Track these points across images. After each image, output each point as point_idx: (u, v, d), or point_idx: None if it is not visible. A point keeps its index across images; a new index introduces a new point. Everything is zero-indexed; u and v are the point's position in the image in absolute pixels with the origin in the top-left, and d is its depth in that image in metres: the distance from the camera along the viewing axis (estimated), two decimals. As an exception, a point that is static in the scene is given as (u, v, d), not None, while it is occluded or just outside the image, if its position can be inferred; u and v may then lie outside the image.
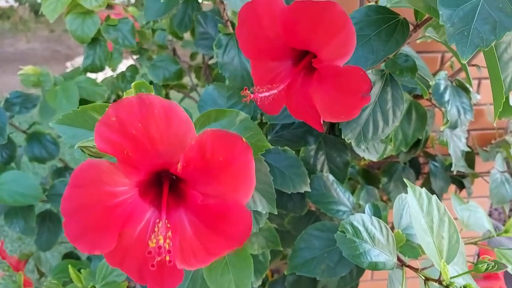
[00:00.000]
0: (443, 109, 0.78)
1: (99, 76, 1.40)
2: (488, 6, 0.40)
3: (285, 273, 0.71)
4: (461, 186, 1.12)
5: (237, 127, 0.51)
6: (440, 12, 0.40)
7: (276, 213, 0.55)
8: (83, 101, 1.03)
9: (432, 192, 1.03)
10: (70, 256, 1.24)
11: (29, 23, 5.76)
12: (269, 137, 0.76)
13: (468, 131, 1.13)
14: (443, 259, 0.53)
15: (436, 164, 1.06)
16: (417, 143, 0.91)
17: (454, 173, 0.94)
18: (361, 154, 0.74)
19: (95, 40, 1.06)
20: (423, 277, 0.56)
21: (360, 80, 0.47)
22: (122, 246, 0.41)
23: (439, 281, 0.54)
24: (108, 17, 1.06)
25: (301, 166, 0.69)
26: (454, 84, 0.83)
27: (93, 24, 1.01)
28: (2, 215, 1.03)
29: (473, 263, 0.74)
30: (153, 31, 1.29)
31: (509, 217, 1.08)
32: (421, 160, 1.11)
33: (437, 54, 1.03)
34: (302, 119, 0.57)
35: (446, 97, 0.79)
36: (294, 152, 0.70)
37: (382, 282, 1.25)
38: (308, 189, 0.69)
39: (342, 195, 0.75)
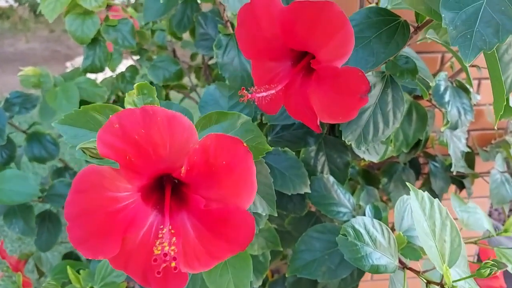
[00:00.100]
0: (443, 110, 0.78)
1: (99, 77, 1.40)
2: (491, 9, 0.40)
3: (286, 275, 0.71)
4: (461, 186, 1.12)
5: (238, 130, 0.50)
6: (443, 15, 0.40)
7: (276, 215, 0.55)
8: (83, 102, 1.03)
9: (432, 192, 1.03)
10: (70, 256, 1.23)
11: (28, 23, 5.76)
12: (269, 138, 0.76)
13: (468, 131, 1.13)
14: (445, 262, 0.52)
15: (436, 164, 1.06)
16: (417, 143, 0.91)
17: (454, 173, 0.94)
18: (362, 155, 0.74)
19: (95, 41, 1.06)
20: (425, 280, 0.56)
21: (358, 81, 0.47)
22: (125, 250, 0.41)
23: (441, 285, 0.53)
24: (107, 18, 1.06)
25: (301, 167, 0.69)
26: (454, 84, 0.83)
27: (93, 24, 1.01)
28: (2, 216, 1.02)
29: (474, 262, 0.74)
30: (153, 31, 1.29)
31: (508, 217, 1.08)
32: (421, 160, 1.10)
33: (437, 55, 1.02)
34: (300, 120, 0.57)
35: (446, 98, 0.79)
36: (294, 153, 0.70)
37: (382, 282, 1.25)
38: (308, 190, 0.69)
39: (343, 197, 0.75)
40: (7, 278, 1.04)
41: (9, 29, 5.70)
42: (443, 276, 0.53)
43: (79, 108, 0.48)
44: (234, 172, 0.39)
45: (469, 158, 1.10)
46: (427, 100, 0.79)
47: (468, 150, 0.99)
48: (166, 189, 0.43)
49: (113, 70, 1.25)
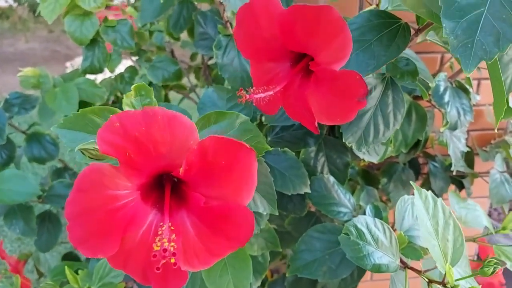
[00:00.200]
0: (443, 110, 0.78)
1: (98, 77, 1.40)
2: (492, 17, 0.39)
3: (287, 275, 0.71)
4: (460, 186, 1.12)
5: (236, 130, 0.50)
6: (444, 25, 0.40)
7: (277, 214, 0.55)
8: (82, 103, 1.03)
9: (432, 192, 1.03)
10: (70, 256, 1.24)
11: (28, 23, 5.76)
12: (269, 139, 0.76)
13: (468, 131, 1.13)
14: (448, 262, 0.53)
15: (436, 164, 1.06)
16: (416, 143, 0.91)
17: (454, 173, 0.94)
18: (361, 156, 0.74)
19: (94, 42, 1.06)
20: (426, 280, 0.56)
21: (357, 84, 0.47)
22: (125, 249, 0.41)
23: (443, 284, 0.54)
24: (106, 19, 1.06)
25: (301, 168, 0.69)
26: (453, 85, 0.83)
27: (92, 25, 1.01)
28: (2, 216, 1.02)
29: (474, 260, 0.74)
30: (151, 32, 1.29)
31: (508, 217, 1.08)
32: (420, 160, 1.10)
33: (437, 55, 1.02)
34: (298, 120, 0.57)
35: (446, 98, 0.79)
36: (294, 153, 0.70)
37: (381, 282, 1.25)
38: (308, 190, 0.69)
39: (343, 197, 0.75)
40: (5, 280, 1.04)
41: (9, 29, 5.70)
42: (445, 275, 0.53)
43: (79, 108, 0.48)
44: (234, 170, 0.39)
45: (469, 158, 1.10)
46: (427, 101, 0.79)
47: (468, 150, 0.99)
48: (166, 187, 0.43)
49: (112, 71, 1.25)
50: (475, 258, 1.29)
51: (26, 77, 0.99)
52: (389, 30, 0.53)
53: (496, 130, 0.66)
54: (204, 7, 1.08)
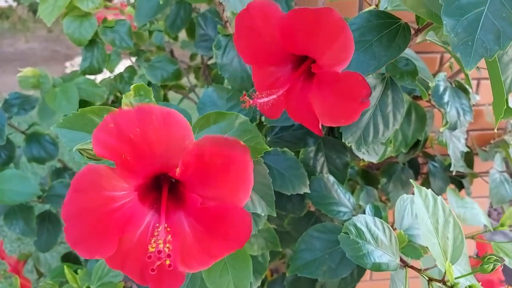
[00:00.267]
0: (442, 110, 0.78)
1: (98, 77, 1.40)
2: (492, 16, 0.39)
3: (287, 274, 0.71)
4: (460, 186, 1.12)
5: (236, 130, 0.50)
6: (444, 22, 0.40)
7: (275, 215, 0.55)
8: (82, 102, 1.03)
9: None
10: (69, 256, 1.23)
11: (28, 23, 5.75)
12: (268, 139, 0.76)
13: (467, 131, 1.13)
14: (448, 259, 0.53)
15: (435, 164, 1.06)
16: (416, 143, 0.91)
17: (453, 173, 0.94)
18: (361, 156, 0.74)
19: (93, 42, 1.06)
20: (426, 278, 0.57)
21: (359, 85, 0.47)
22: (122, 249, 0.41)
23: (443, 282, 0.54)
24: (105, 19, 1.06)
25: (301, 168, 0.69)
26: (453, 85, 0.83)
27: (90, 26, 1.01)
28: (2, 216, 1.02)
29: (474, 257, 0.74)
30: (150, 32, 1.29)
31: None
32: (420, 160, 1.11)
33: (436, 55, 1.03)
34: (301, 123, 0.57)
35: (446, 98, 0.79)
36: (293, 153, 0.70)
37: (381, 282, 1.25)
38: (307, 190, 0.69)
39: (343, 196, 0.75)
40: (5, 280, 1.04)
41: (9, 29, 5.69)
42: (444, 273, 0.53)
43: (79, 108, 0.48)
44: (230, 171, 0.39)
45: (468, 158, 1.10)
46: (426, 101, 0.79)
47: (467, 150, 0.99)
48: (163, 188, 0.43)
49: (111, 71, 1.25)
50: (475, 256, 1.29)
51: (26, 77, 0.99)
52: (389, 30, 0.53)
53: (495, 130, 0.66)
54: (203, 7, 1.08)
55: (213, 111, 0.51)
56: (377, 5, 0.58)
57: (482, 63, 0.50)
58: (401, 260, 0.61)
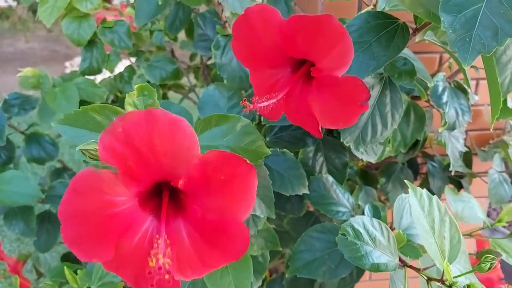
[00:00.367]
0: (441, 110, 0.78)
1: (98, 77, 1.41)
2: (490, 12, 0.40)
3: (286, 274, 0.71)
4: (459, 186, 1.12)
5: (237, 133, 0.50)
6: (442, 18, 0.40)
7: (275, 217, 0.55)
8: (82, 103, 1.03)
9: (430, 192, 1.03)
10: (69, 256, 1.23)
11: (27, 23, 5.75)
12: (267, 139, 0.76)
13: (466, 131, 1.13)
14: (446, 259, 0.53)
15: (434, 164, 1.06)
16: (415, 143, 0.91)
17: (452, 173, 0.94)
18: (360, 156, 0.74)
19: (92, 43, 1.07)
20: (425, 277, 0.57)
21: (359, 89, 0.48)
22: (119, 255, 0.41)
23: (442, 281, 0.54)
24: (104, 20, 1.06)
25: (300, 168, 0.69)
26: (452, 85, 0.83)
27: (89, 27, 1.01)
28: (1, 216, 1.02)
29: (475, 255, 0.74)
30: (151, 32, 1.30)
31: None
32: (419, 160, 1.11)
33: (435, 55, 1.03)
34: (301, 125, 0.57)
35: (444, 98, 0.79)
36: (293, 154, 0.70)
37: (380, 282, 1.25)
38: (306, 191, 0.69)
39: (342, 196, 0.75)
40: (4, 280, 1.04)
41: (8, 29, 5.69)
42: (443, 272, 0.53)
43: (79, 108, 0.48)
44: (234, 187, 0.39)
45: (467, 158, 1.10)
46: (425, 101, 0.79)
47: (466, 150, 0.99)
48: (164, 196, 0.43)
49: (111, 71, 1.25)
50: (476, 254, 1.29)
51: (26, 77, 0.99)
52: (387, 30, 0.54)
53: (491, 130, 0.66)
54: (202, 7, 1.09)
55: (215, 114, 0.51)
56: (375, 6, 0.58)
57: (481, 63, 0.51)
58: (400, 260, 0.61)
